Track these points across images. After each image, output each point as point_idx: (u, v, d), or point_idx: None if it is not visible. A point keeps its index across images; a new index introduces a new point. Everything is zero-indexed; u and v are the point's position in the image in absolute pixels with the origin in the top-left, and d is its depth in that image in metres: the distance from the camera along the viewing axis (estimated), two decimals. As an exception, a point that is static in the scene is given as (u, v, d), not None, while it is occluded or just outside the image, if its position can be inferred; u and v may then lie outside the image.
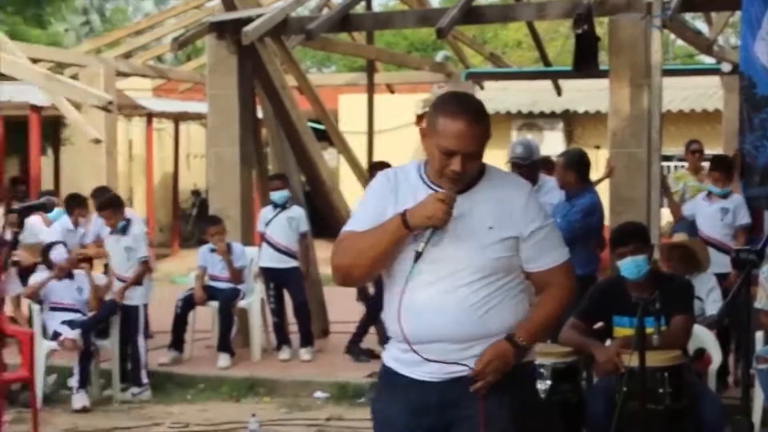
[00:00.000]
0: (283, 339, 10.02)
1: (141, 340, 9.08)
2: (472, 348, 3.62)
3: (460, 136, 3.52)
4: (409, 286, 3.60)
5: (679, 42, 18.38)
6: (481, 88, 16.28)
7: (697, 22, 16.56)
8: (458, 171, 3.54)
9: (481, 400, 3.60)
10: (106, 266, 9.94)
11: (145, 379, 9.00)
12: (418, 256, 3.54)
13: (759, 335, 7.35)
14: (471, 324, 3.60)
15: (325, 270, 11.96)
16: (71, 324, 8.69)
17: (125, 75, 15.04)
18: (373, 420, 3.84)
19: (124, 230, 9.20)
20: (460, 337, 3.61)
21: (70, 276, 8.95)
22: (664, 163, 17.12)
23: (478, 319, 3.60)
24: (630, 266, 6.07)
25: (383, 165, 9.84)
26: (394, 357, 3.74)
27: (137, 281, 9.14)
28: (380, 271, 3.70)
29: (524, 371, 3.76)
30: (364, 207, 3.73)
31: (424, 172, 3.69)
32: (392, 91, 18.58)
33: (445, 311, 3.59)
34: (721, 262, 7.95)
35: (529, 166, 7.95)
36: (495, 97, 18.63)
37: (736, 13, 11.36)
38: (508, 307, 3.66)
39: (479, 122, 3.57)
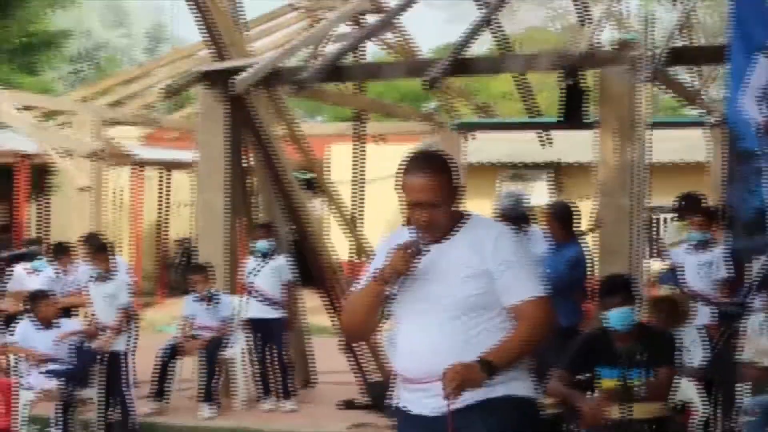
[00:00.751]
0: (266, 389, 9.95)
1: (127, 388, 9.01)
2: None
3: (416, 189, 3.84)
4: (398, 330, 3.95)
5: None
6: (469, 139, 16.28)
7: (683, 74, 16.66)
8: (423, 221, 3.83)
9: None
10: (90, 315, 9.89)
11: (137, 427, 8.92)
12: (390, 299, 3.86)
13: (743, 387, 7.35)
14: (448, 360, 3.77)
15: (311, 320, 11.95)
16: (52, 374, 8.61)
17: (115, 123, 15.07)
18: None
19: (105, 278, 9.16)
20: (439, 373, 3.78)
21: (51, 326, 8.87)
22: (663, 215, 17.22)
23: (455, 355, 3.78)
24: (618, 317, 6.04)
25: None
26: (402, 396, 4.00)
27: (121, 328, 9.07)
28: (373, 327, 4.01)
29: (513, 405, 3.85)
30: (370, 269, 4.00)
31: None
32: (381, 141, 18.61)
33: (433, 349, 3.82)
34: (704, 313, 7.95)
35: (517, 218, 7.96)
36: (483, 147, 18.67)
37: (723, 67, 11.43)
38: (488, 344, 3.81)
39: (434, 175, 3.85)
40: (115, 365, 8.99)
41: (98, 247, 9.44)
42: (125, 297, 9.18)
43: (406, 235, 3.96)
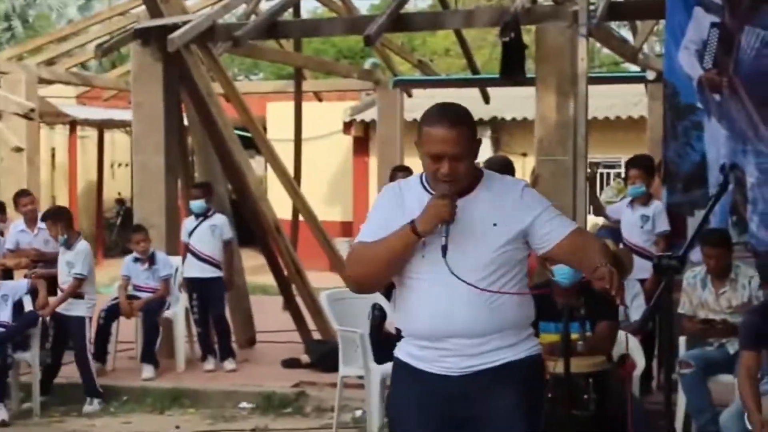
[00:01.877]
0: (207, 349, 9.89)
1: (89, 353, 8.93)
2: (487, 343, 3.81)
3: (441, 140, 3.77)
4: (412, 285, 3.85)
5: (605, 50, 18.56)
6: (409, 95, 16.26)
7: (622, 30, 16.74)
8: (447, 173, 3.76)
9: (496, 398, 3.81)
10: (25, 276, 9.75)
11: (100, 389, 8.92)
12: (445, 249, 3.70)
13: (682, 340, 7.44)
14: (485, 319, 3.79)
15: (251, 279, 11.90)
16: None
17: (48, 82, 14.83)
18: (388, 415, 4.07)
19: (68, 245, 9.03)
20: (475, 333, 3.79)
21: None
22: (604, 170, 17.34)
23: (490, 315, 3.79)
24: (566, 272, 6.06)
25: (405, 169, 9.84)
26: (409, 353, 3.93)
27: (70, 295, 8.92)
28: (390, 278, 3.91)
29: (534, 365, 3.92)
30: (373, 219, 3.93)
31: (425, 180, 3.91)
32: (320, 99, 18.54)
33: (460, 308, 3.77)
34: (643, 268, 8.00)
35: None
36: (423, 104, 18.59)
37: (660, 22, 11.47)
38: (514, 300, 3.84)
39: (458, 126, 3.80)
40: (74, 330, 8.88)
41: (62, 216, 9.31)
42: (79, 267, 8.97)
43: (416, 185, 3.90)
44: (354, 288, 3.96)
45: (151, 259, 9.71)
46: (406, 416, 3.93)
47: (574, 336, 5.89)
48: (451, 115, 3.84)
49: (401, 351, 3.97)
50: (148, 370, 9.45)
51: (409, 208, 3.83)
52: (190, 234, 9.93)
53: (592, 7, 8.95)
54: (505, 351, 3.83)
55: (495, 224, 3.81)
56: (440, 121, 3.79)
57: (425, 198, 3.81)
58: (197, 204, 9.95)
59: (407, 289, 3.88)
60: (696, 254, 7.37)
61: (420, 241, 3.76)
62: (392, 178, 9.67)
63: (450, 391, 3.83)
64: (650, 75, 12.82)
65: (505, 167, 7.96)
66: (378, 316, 8.60)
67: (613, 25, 12.27)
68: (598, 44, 15.32)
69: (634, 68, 14.55)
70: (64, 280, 9.04)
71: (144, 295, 9.71)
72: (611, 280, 3.62)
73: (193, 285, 9.90)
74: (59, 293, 9.09)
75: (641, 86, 14.50)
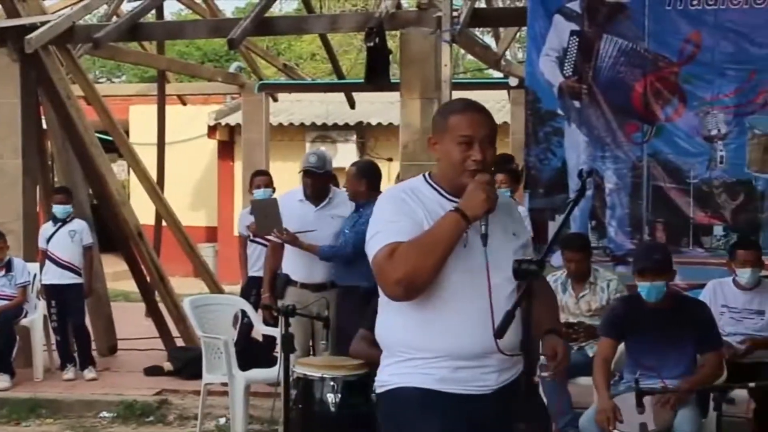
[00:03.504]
0: (67, 358, 9.68)
1: None
2: (515, 356, 3.64)
3: (471, 123, 3.65)
4: (439, 298, 3.56)
5: (469, 56, 18.80)
6: (275, 99, 16.18)
7: (486, 37, 16.94)
8: (479, 159, 3.61)
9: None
10: None
11: None
12: (485, 238, 3.53)
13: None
14: (516, 333, 3.55)
15: (113, 285, 11.69)
16: None
17: None
18: None
19: None
20: (513, 348, 3.60)
21: None
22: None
23: (516, 328, 3.54)
24: None
25: (264, 173, 9.74)
26: (438, 378, 3.60)
27: None
28: (436, 275, 3.53)
29: None
30: (400, 219, 3.60)
31: (434, 184, 3.71)
32: (184, 103, 18.32)
33: (491, 322, 3.54)
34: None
35: (323, 176, 7.88)
36: (289, 108, 18.61)
37: (523, 29, 11.64)
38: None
39: (485, 112, 3.73)
40: None
41: None
42: None
43: (426, 189, 3.69)
44: (404, 292, 3.53)
45: (7, 266, 9.48)
46: None
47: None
48: (476, 104, 3.79)
49: (416, 377, 3.62)
50: (3, 380, 9.20)
51: (431, 210, 3.61)
52: (49, 240, 9.71)
53: (455, 14, 9.03)
54: (516, 361, 3.70)
55: (514, 234, 3.73)
56: (468, 108, 3.72)
57: (442, 200, 3.63)
58: (62, 209, 9.73)
59: (440, 301, 3.58)
60: (556, 258, 7.49)
61: (467, 228, 3.51)
62: (251, 183, 9.58)
63: (484, 412, 3.62)
64: (513, 81, 12.99)
65: (372, 172, 7.96)
66: (248, 323, 8.55)
67: (477, 31, 12.40)
68: (462, 50, 15.49)
69: (497, 74, 14.75)
70: None
71: (0, 303, 9.45)
72: (560, 362, 3.65)
73: (51, 292, 9.67)
74: None
75: (504, 92, 14.70)
